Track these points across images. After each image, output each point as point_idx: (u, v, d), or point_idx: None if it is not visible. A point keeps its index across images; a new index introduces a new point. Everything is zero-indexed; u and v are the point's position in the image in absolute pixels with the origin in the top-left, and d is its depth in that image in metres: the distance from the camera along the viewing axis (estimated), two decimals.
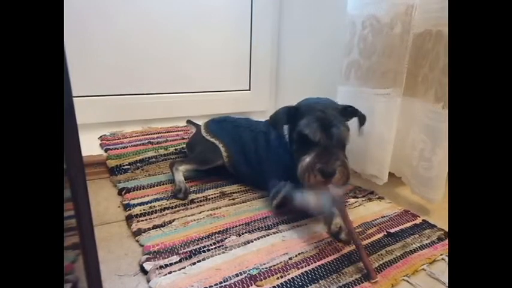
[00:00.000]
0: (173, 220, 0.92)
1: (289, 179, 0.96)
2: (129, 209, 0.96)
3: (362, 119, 0.97)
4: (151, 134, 1.47)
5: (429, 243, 0.90)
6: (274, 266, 0.77)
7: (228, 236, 0.87)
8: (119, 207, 1.00)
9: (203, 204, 1.02)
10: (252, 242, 0.86)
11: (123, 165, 1.19)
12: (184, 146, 1.32)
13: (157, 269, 0.73)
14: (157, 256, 0.77)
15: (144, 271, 0.74)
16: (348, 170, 0.86)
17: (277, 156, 1.02)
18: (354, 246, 0.86)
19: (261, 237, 0.88)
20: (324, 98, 0.96)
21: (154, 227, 0.89)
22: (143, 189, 1.08)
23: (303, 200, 0.90)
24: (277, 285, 0.72)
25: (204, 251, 0.81)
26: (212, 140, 1.15)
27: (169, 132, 1.51)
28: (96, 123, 1.46)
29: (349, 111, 0.95)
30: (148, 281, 0.71)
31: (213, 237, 0.86)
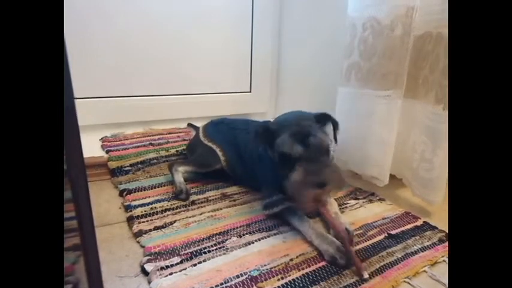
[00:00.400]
0: (174, 221, 0.92)
1: (282, 190, 0.96)
2: (130, 210, 0.96)
3: (335, 125, 0.94)
4: (153, 135, 1.47)
5: (430, 244, 0.90)
6: (275, 267, 0.77)
7: (228, 237, 0.87)
8: (120, 208, 1.00)
9: (204, 206, 1.02)
10: (253, 243, 0.86)
11: (125, 167, 1.19)
12: (185, 148, 1.33)
13: (158, 270, 0.73)
14: (159, 257, 0.78)
15: (145, 272, 0.74)
16: (341, 172, 0.83)
17: (267, 167, 1.00)
18: (355, 247, 0.86)
19: (262, 238, 0.88)
20: (296, 111, 0.95)
21: (156, 228, 0.89)
22: (144, 190, 1.08)
23: (299, 227, 0.90)
24: (278, 286, 0.72)
25: (205, 252, 0.81)
26: (209, 144, 1.16)
27: (171, 133, 1.51)
28: (97, 124, 1.46)
29: (323, 118, 0.92)
30: (149, 282, 0.71)
31: (213, 238, 0.86)
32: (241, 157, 1.12)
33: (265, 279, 0.73)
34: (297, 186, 0.81)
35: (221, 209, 1.01)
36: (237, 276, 0.74)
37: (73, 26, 1.32)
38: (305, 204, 0.84)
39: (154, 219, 0.93)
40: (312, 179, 0.79)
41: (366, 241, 0.89)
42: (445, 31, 0.94)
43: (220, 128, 1.20)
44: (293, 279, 0.74)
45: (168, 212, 0.97)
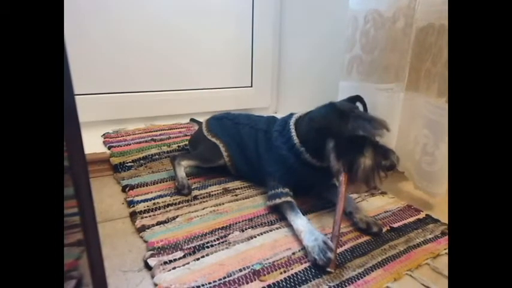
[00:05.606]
0: (177, 216, 0.93)
1: (293, 181, 0.97)
2: (133, 206, 0.97)
3: (365, 105, 0.96)
4: (154, 131, 1.47)
5: (432, 237, 0.90)
6: (277, 261, 0.78)
7: (231, 231, 0.88)
8: (122, 204, 1.01)
9: (206, 201, 1.03)
10: (255, 237, 0.86)
11: (127, 163, 1.19)
12: (187, 143, 1.33)
13: (161, 264, 0.74)
14: (162, 252, 0.78)
15: (148, 267, 0.74)
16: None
17: (281, 157, 1.00)
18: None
19: (264, 232, 0.88)
20: (331, 102, 0.94)
21: (158, 223, 0.89)
22: (147, 186, 1.09)
23: (293, 224, 0.89)
24: (281, 280, 0.72)
25: (207, 247, 0.81)
26: (213, 140, 1.15)
27: (172, 129, 1.52)
28: (99, 121, 1.47)
29: (355, 100, 0.95)
30: (152, 277, 0.72)
31: (216, 233, 0.87)
32: (244, 152, 1.12)
33: (268, 273, 0.74)
34: (369, 170, 0.81)
35: (223, 203, 1.02)
36: (240, 270, 0.74)
37: (74, 23, 1.32)
38: (371, 186, 0.84)
39: (157, 214, 0.93)
40: (385, 164, 0.80)
41: (368, 234, 0.90)
42: (447, 22, 0.93)
43: (223, 123, 1.20)
44: (295, 273, 0.75)
45: (170, 207, 0.97)
